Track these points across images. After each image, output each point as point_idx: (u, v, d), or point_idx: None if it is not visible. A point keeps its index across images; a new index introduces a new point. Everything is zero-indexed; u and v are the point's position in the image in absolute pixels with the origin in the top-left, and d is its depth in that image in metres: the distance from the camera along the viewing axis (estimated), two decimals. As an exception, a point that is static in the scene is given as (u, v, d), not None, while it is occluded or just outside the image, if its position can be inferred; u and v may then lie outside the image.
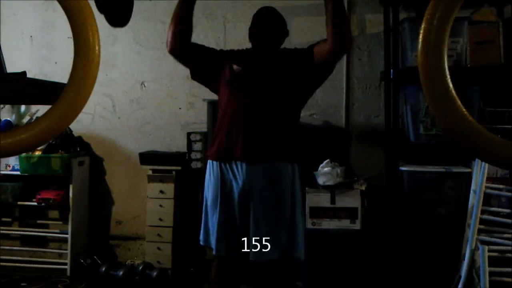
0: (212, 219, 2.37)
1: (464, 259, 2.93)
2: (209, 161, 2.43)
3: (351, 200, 3.11)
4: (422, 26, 1.34)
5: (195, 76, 2.53)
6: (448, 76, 1.31)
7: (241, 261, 2.40)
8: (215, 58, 2.47)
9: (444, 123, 1.38)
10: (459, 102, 1.31)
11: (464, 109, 1.32)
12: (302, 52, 2.40)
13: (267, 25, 2.44)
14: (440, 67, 1.31)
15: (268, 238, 2.27)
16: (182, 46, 2.40)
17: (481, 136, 1.32)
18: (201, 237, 2.43)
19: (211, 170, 2.40)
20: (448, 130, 1.39)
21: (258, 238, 2.27)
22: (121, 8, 2.01)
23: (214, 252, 2.37)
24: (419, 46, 1.34)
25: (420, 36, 1.34)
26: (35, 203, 3.73)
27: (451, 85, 1.31)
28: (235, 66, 2.38)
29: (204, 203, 2.43)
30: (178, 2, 2.38)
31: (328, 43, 2.26)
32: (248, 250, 2.29)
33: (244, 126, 2.30)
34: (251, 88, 2.34)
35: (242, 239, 2.31)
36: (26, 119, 3.95)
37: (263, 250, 2.27)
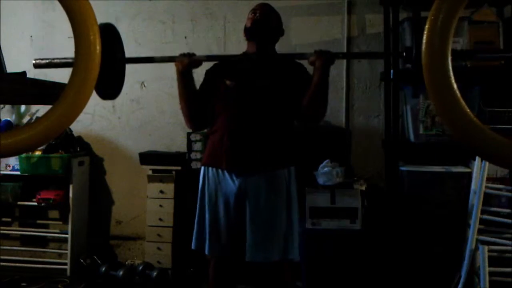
0: (206, 221, 2.36)
1: (464, 259, 2.93)
2: (203, 167, 2.42)
3: (351, 200, 3.11)
4: (426, 26, 1.33)
5: None
6: (452, 76, 1.31)
7: (238, 262, 2.40)
8: (212, 89, 2.43)
9: (448, 123, 1.38)
10: (463, 102, 1.31)
11: (468, 109, 1.31)
12: (296, 78, 2.37)
13: (262, 23, 2.41)
14: (444, 67, 1.31)
15: (265, 241, 2.28)
16: (202, 122, 2.46)
17: (485, 136, 1.31)
18: (193, 241, 2.41)
19: (206, 176, 2.40)
20: (452, 130, 1.39)
21: (254, 241, 2.27)
22: (113, 86, 2.07)
23: (206, 252, 2.36)
24: (423, 46, 1.34)
25: (424, 37, 1.33)
26: (35, 203, 3.73)
27: (455, 86, 1.31)
28: (228, 82, 2.37)
29: (198, 208, 2.42)
30: (178, 82, 2.36)
31: (301, 109, 2.29)
32: (243, 252, 2.29)
33: (238, 138, 2.30)
34: (245, 101, 2.33)
35: (237, 242, 2.31)
36: (26, 119, 3.95)
37: (260, 253, 2.27)
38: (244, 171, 2.30)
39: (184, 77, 2.34)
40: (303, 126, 3.44)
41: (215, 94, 2.40)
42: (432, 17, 1.33)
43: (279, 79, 2.36)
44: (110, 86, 2.07)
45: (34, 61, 2.07)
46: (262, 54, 2.42)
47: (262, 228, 2.28)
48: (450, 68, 1.32)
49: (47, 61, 2.07)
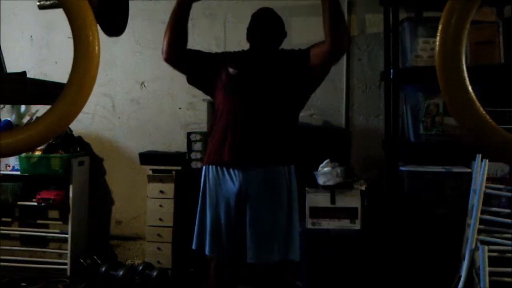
0: (207, 222, 2.36)
1: (464, 259, 2.92)
2: (205, 166, 2.42)
3: (351, 200, 3.11)
4: (439, 27, 1.31)
5: (191, 81, 2.54)
6: (467, 78, 1.30)
7: (239, 262, 2.41)
8: (211, 62, 2.45)
9: (463, 124, 1.36)
10: (478, 104, 1.30)
11: (483, 111, 1.30)
12: (298, 54, 2.39)
13: (264, 26, 2.43)
14: (459, 69, 1.30)
15: (266, 242, 2.28)
16: (177, 55, 2.41)
17: (503, 138, 1.30)
18: (194, 241, 2.42)
19: (207, 175, 2.40)
20: (468, 132, 1.37)
21: (255, 242, 2.27)
22: (117, 16, 2.04)
23: (207, 252, 2.37)
24: (437, 47, 1.32)
25: (438, 38, 1.31)
26: (35, 203, 3.73)
27: (470, 87, 1.30)
28: (231, 70, 2.38)
29: (199, 208, 2.42)
30: (173, 11, 2.38)
31: (325, 44, 2.25)
32: (244, 253, 2.30)
33: (239, 130, 2.30)
34: (247, 91, 2.33)
35: (238, 242, 2.31)
36: (26, 119, 3.95)
37: (261, 254, 2.28)
38: (246, 162, 2.29)
39: (182, 9, 2.36)
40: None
41: (215, 76, 2.41)
42: (445, 18, 1.32)
43: (280, 69, 2.36)
44: (115, 21, 2.04)
45: (38, 2, 2.03)
46: (265, 50, 2.43)
47: (263, 229, 2.28)
48: (465, 69, 1.31)
49: (51, 1, 2.03)
